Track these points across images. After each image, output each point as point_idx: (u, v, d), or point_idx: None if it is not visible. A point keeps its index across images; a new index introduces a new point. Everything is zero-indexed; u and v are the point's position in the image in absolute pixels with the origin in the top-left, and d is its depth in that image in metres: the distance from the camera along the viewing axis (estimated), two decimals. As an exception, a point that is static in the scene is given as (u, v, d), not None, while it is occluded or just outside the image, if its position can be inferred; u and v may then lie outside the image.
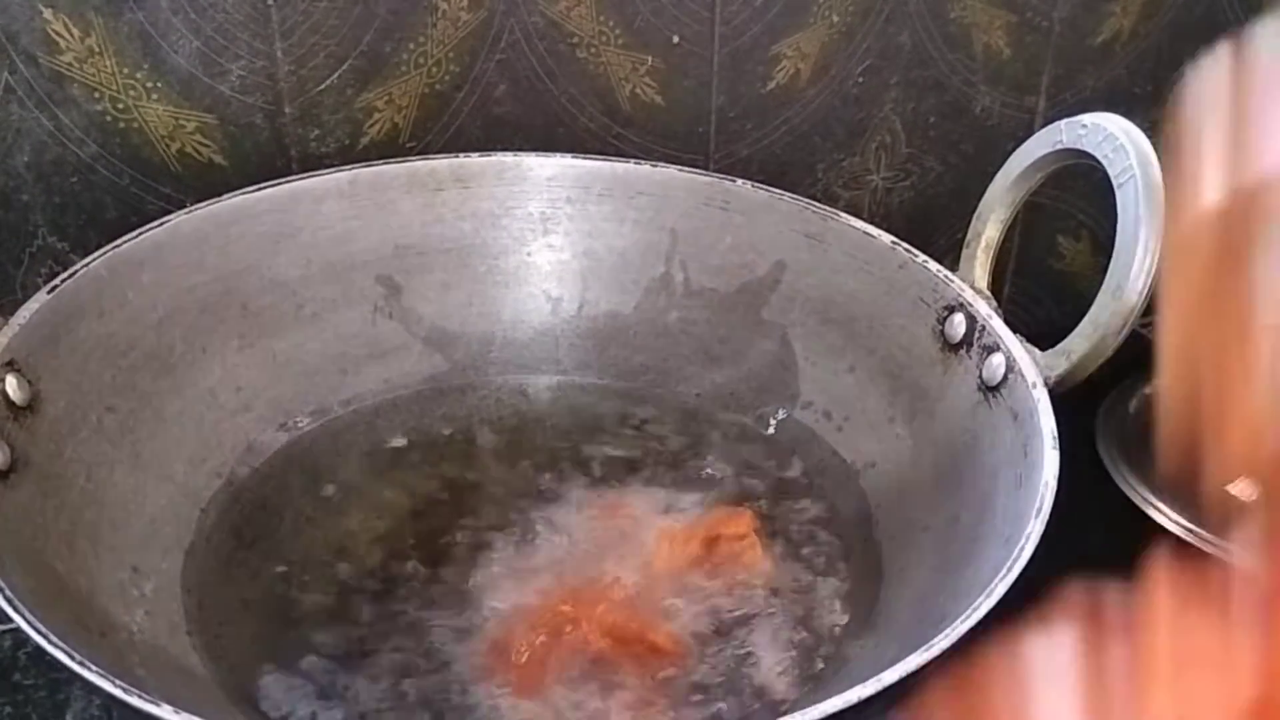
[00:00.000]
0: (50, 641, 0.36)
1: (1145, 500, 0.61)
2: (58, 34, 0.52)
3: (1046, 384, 0.45)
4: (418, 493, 0.52)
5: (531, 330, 0.59)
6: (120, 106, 0.55)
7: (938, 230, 0.71)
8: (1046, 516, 0.40)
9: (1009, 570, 0.38)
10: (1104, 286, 0.46)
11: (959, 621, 0.36)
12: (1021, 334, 0.49)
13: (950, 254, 0.55)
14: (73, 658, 0.35)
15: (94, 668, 0.35)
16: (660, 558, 0.49)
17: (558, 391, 0.59)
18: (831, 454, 0.54)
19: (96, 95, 0.54)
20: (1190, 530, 0.59)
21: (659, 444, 0.55)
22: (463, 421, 0.56)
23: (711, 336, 0.58)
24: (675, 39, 0.63)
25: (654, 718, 0.43)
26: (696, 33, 0.63)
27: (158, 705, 0.34)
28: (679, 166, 0.59)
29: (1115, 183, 0.46)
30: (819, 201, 0.57)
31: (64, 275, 0.48)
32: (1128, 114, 0.48)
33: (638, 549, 0.50)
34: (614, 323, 0.59)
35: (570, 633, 0.45)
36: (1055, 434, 0.43)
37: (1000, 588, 0.37)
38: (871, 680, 0.34)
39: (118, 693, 0.34)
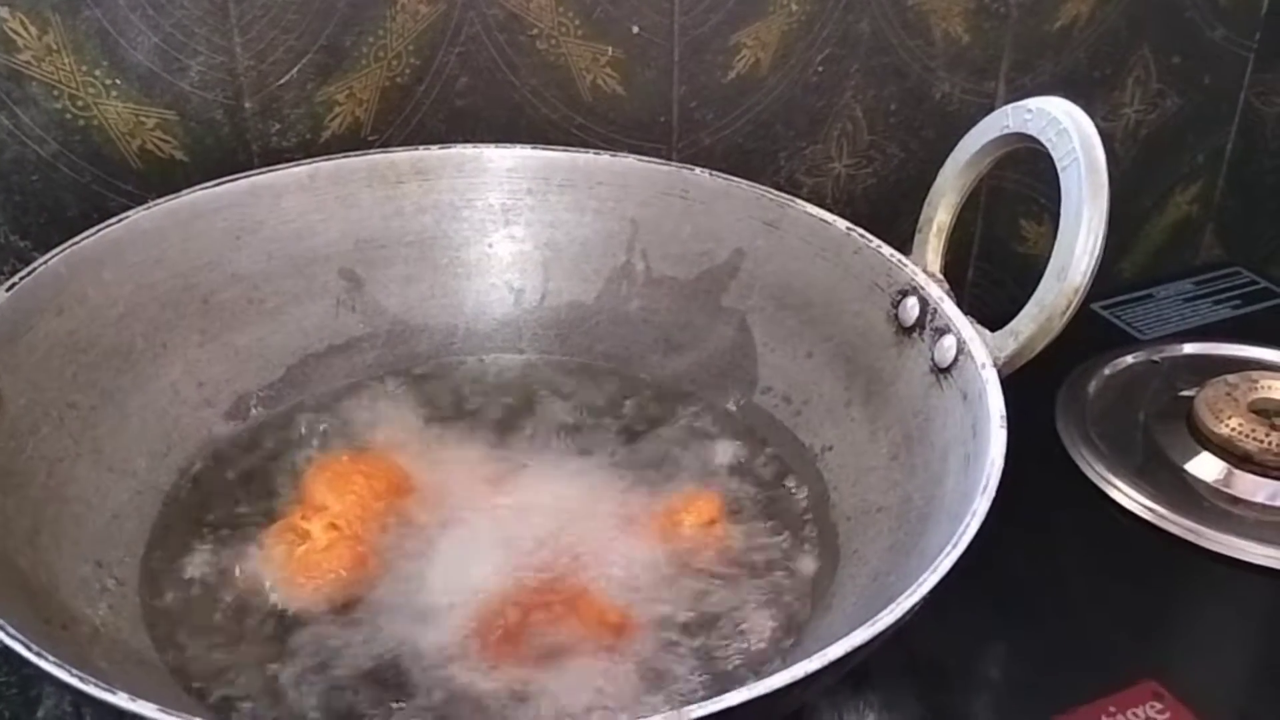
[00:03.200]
0: (8, 633, 0.36)
1: (1103, 479, 0.62)
2: (15, 32, 0.52)
3: (995, 364, 0.46)
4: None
5: (494, 321, 0.60)
6: (80, 104, 0.55)
7: (900, 216, 0.72)
8: (993, 494, 0.41)
9: (954, 547, 0.38)
10: (1049, 268, 0.46)
11: (904, 597, 0.37)
12: (986, 316, 0.49)
13: (913, 240, 0.55)
14: (30, 649, 0.36)
15: (51, 658, 0.35)
16: (623, 539, 0.50)
17: (520, 381, 0.59)
18: (790, 438, 0.55)
19: (56, 93, 0.54)
20: (1148, 508, 0.60)
21: (622, 430, 0.56)
22: (426, 411, 0.57)
23: (672, 324, 0.59)
24: (635, 29, 0.63)
25: (609, 698, 0.43)
26: (656, 23, 0.63)
27: (114, 693, 0.34)
28: (638, 156, 0.59)
29: (1059, 165, 0.46)
30: (782, 190, 0.57)
31: (23, 273, 0.48)
32: (1086, 98, 0.49)
33: (600, 532, 0.50)
34: (576, 312, 0.60)
35: (528, 613, 0.46)
36: (1003, 414, 0.44)
37: (945, 564, 0.38)
38: (817, 655, 0.35)
39: (74, 681, 0.34)
